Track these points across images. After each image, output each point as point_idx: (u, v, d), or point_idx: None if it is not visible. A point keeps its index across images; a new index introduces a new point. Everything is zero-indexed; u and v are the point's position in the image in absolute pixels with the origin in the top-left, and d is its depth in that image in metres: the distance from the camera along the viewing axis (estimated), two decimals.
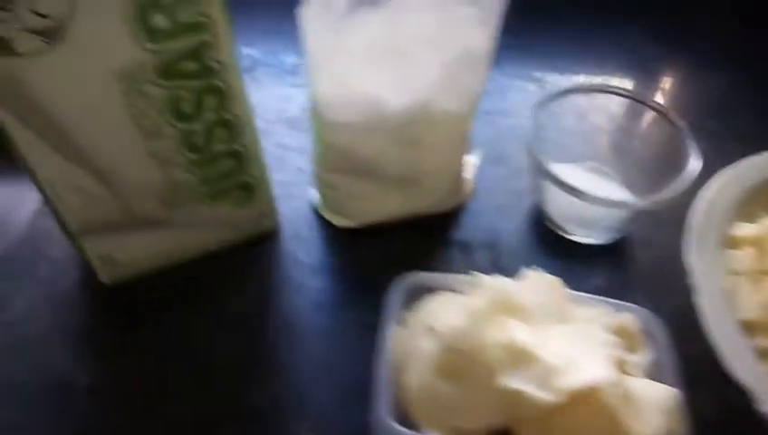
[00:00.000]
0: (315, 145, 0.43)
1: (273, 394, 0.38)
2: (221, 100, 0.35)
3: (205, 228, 0.42)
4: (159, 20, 0.30)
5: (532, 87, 0.58)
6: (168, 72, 0.32)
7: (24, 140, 0.32)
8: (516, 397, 0.29)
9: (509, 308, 0.33)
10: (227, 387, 0.38)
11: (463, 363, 0.31)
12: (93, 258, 0.40)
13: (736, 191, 0.42)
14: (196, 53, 0.32)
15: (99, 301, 0.42)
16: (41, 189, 0.36)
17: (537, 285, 0.35)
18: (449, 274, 0.38)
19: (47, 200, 0.36)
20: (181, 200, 0.39)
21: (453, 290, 0.37)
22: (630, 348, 0.34)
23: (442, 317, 0.33)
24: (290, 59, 0.60)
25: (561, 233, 0.46)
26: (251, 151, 0.39)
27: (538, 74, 0.59)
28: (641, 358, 0.34)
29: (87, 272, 0.43)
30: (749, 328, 0.37)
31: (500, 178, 0.51)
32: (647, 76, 0.61)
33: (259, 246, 0.45)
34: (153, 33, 0.30)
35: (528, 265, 0.44)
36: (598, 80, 0.60)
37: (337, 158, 0.41)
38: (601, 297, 0.37)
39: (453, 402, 0.31)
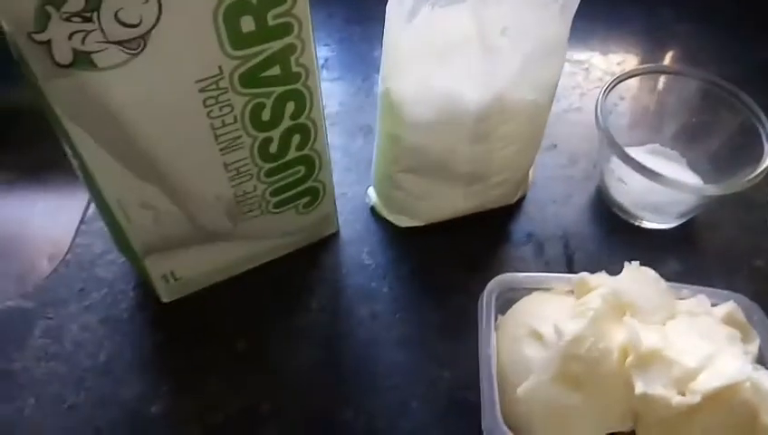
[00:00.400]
0: (383, 145, 0.40)
1: (365, 409, 0.36)
2: (301, 105, 0.33)
3: (269, 237, 0.40)
4: (247, 22, 0.28)
5: (576, 69, 0.56)
6: (252, 78, 0.30)
7: (94, 156, 0.29)
8: (648, 401, 0.28)
9: (623, 307, 0.32)
10: (317, 403, 0.36)
11: (586, 370, 0.30)
12: (155, 277, 0.38)
13: None
14: (281, 58, 0.30)
15: (159, 321, 0.40)
16: (104, 209, 0.33)
17: (639, 279, 0.34)
18: (539, 273, 0.37)
19: (111, 221, 0.34)
20: (248, 211, 0.37)
21: (546, 289, 0.36)
22: (743, 338, 0.33)
23: (549, 321, 0.32)
24: (321, 52, 0.57)
25: (628, 219, 0.45)
26: (322, 155, 0.37)
27: (579, 57, 0.58)
28: (753, 347, 0.33)
29: (143, 291, 0.41)
30: None
31: (557, 166, 0.49)
32: (684, 52, 0.60)
33: (321, 251, 0.43)
34: (240, 38, 0.28)
35: (601, 255, 0.44)
36: (639, 59, 0.58)
37: (408, 157, 0.39)
38: (697, 287, 0.36)
39: (576, 411, 0.30)
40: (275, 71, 0.30)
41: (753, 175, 0.39)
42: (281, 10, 0.28)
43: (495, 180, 0.42)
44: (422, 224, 0.44)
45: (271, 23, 0.28)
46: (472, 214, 0.45)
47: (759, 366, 0.31)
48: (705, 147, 0.45)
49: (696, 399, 0.27)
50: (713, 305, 0.34)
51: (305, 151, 0.36)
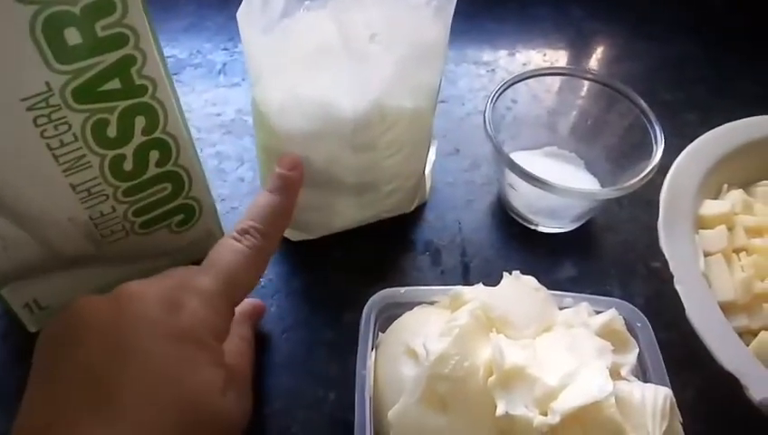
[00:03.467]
0: (261, 157, 0.39)
1: None
2: (153, 119, 0.31)
3: (141, 259, 0.37)
4: (72, 34, 0.25)
5: (482, 71, 0.56)
6: (88, 93, 0.27)
7: None
8: (511, 422, 0.27)
9: (493, 322, 0.31)
10: None
11: (451, 390, 0.28)
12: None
13: (700, 169, 0.41)
14: (120, 71, 0.28)
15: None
16: None
17: (517, 289, 0.33)
18: (422, 287, 0.36)
19: None
20: (111, 233, 0.35)
21: (429, 303, 0.35)
22: (619, 349, 0.32)
23: (422, 338, 0.30)
24: (219, 57, 0.54)
25: (526, 224, 0.45)
26: (191, 171, 0.35)
27: (487, 58, 0.57)
28: (631, 357, 0.32)
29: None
30: (728, 309, 0.36)
31: (459, 170, 0.48)
32: (590, 51, 0.60)
33: None
34: (66, 51, 0.26)
35: (498, 262, 0.43)
36: (545, 59, 0.58)
37: None
38: (581, 295, 0.35)
39: (444, 434, 0.29)
40: (115, 84, 0.28)
41: (640, 176, 0.39)
42: (110, 20, 0.26)
43: (387, 189, 0.41)
44: (315, 237, 0.42)
45: (100, 34, 0.26)
46: (368, 224, 0.43)
47: (633, 378, 0.31)
48: (602, 148, 0.45)
49: (556, 419, 0.26)
50: (597, 313, 0.34)
51: (168, 168, 0.33)
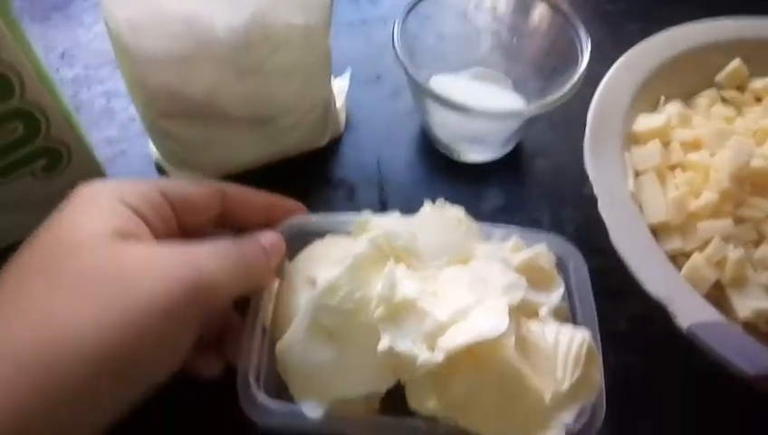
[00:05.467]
0: (129, 88, 0.34)
1: None
2: None
3: (6, 211, 0.33)
4: None
5: None
6: None
7: None
8: (398, 359, 0.24)
9: (397, 253, 0.27)
10: None
11: (340, 322, 0.25)
12: None
13: (635, 80, 0.37)
14: None
15: None
16: None
17: (436, 220, 0.30)
18: (334, 214, 0.32)
19: None
20: None
21: (339, 233, 0.31)
22: (542, 285, 0.29)
23: (323, 267, 0.27)
24: None
25: (450, 154, 0.41)
26: (48, 109, 0.30)
27: None
28: (554, 296, 0.29)
29: None
30: (660, 231, 0.33)
31: (379, 100, 0.44)
32: None
33: None
34: None
35: (418, 197, 0.39)
36: None
37: (162, 100, 0.33)
38: (512, 226, 0.32)
39: (329, 368, 0.26)
40: None
41: (565, 88, 0.35)
42: None
43: (287, 122, 0.36)
44: (213, 177, 0.38)
45: None
46: (278, 162, 0.39)
47: (551, 320, 0.27)
48: (530, 64, 0.41)
49: (440, 357, 0.23)
50: (528, 247, 0.30)
51: (13, 105, 0.29)
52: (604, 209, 0.32)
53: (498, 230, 0.31)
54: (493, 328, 0.23)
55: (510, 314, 0.24)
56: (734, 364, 0.27)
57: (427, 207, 0.31)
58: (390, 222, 0.29)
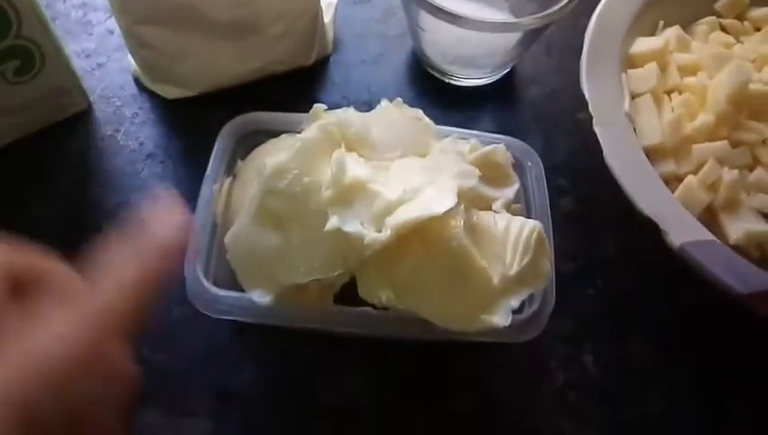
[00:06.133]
0: None
1: None
2: None
3: None
4: None
5: None
6: None
7: None
8: (347, 241, 0.23)
9: (349, 141, 0.26)
10: None
11: (288, 207, 0.24)
12: None
13: (634, 3, 0.36)
14: None
15: None
16: None
17: (393, 117, 0.29)
18: (289, 113, 0.31)
19: None
20: None
21: (295, 132, 0.30)
22: (497, 181, 0.29)
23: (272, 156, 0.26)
24: None
25: (442, 77, 0.39)
26: (17, 4, 0.29)
27: None
28: (507, 192, 0.29)
29: None
30: (655, 154, 0.32)
31: (369, 21, 0.42)
32: None
33: (65, 132, 0.35)
34: None
35: None
36: None
37: (140, 3, 0.31)
38: (474, 131, 0.31)
39: (277, 254, 0.25)
40: None
41: (560, 4, 0.34)
42: None
43: (274, 31, 0.35)
44: (194, 94, 0.36)
45: None
46: (260, 81, 0.38)
47: (504, 212, 0.28)
48: None
49: (387, 234, 0.22)
50: None
51: None
52: (599, 126, 0.31)
53: (458, 131, 0.31)
54: (441, 204, 0.23)
55: (459, 195, 0.24)
56: (725, 283, 0.27)
57: (384, 103, 0.30)
58: (345, 113, 0.28)
